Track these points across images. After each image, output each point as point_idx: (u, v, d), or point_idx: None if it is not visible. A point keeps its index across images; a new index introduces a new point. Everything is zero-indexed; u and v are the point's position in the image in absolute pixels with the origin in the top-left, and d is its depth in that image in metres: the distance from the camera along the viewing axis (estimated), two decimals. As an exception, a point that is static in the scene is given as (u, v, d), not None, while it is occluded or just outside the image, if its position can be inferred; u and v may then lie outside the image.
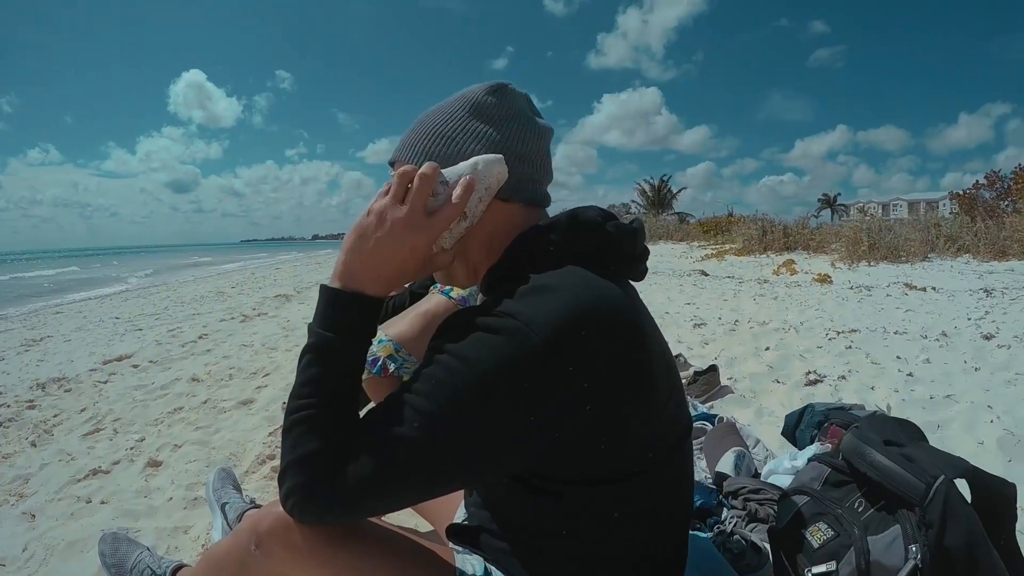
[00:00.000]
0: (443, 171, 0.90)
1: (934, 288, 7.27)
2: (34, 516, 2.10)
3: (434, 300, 2.27)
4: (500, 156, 0.91)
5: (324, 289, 0.89)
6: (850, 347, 4.24)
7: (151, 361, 4.73)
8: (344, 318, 0.87)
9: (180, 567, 1.37)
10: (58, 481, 2.39)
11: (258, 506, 1.78)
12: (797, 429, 2.23)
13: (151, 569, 1.43)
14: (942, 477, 1.05)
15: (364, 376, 2.27)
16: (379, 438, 0.80)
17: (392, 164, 1.01)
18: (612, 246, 0.95)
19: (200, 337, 5.87)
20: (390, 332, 2.19)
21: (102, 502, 2.21)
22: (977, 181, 23.97)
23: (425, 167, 0.87)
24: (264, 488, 2.29)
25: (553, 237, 0.93)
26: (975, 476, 1.10)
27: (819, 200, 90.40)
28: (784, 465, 1.97)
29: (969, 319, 5.19)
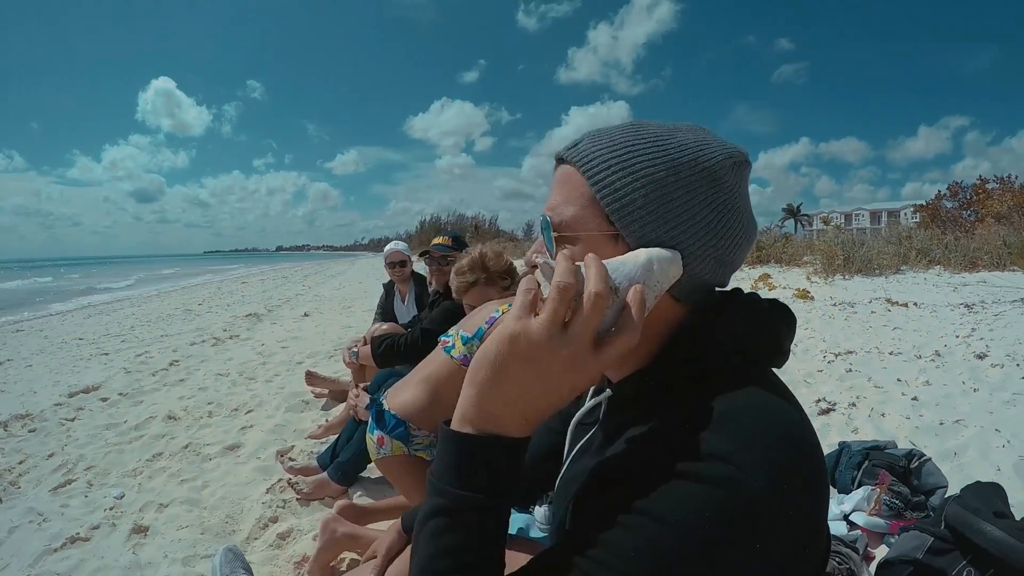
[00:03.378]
0: (607, 265, 0.65)
1: (915, 304, 7.31)
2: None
3: (437, 362, 2.12)
4: (676, 254, 0.68)
5: (452, 436, 0.65)
6: (850, 370, 4.22)
7: (121, 394, 4.47)
8: (487, 471, 0.64)
9: None
10: (32, 551, 2.15)
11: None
12: (836, 471, 2.18)
13: None
14: None
15: (373, 457, 2.12)
16: None
17: (560, 162, 0.78)
18: (782, 344, 0.78)
19: (171, 364, 5.60)
20: (393, 405, 2.02)
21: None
22: (940, 191, 24.63)
23: (598, 284, 0.60)
24: (272, 559, 2.08)
25: (739, 337, 0.76)
26: None
27: (783, 210, 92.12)
28: (834, 512, 1.89)
29: (957, 336, 5.24)
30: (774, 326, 0.76)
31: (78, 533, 2.26)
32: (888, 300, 7.71)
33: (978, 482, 1.88)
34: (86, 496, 2.64)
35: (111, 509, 2.50)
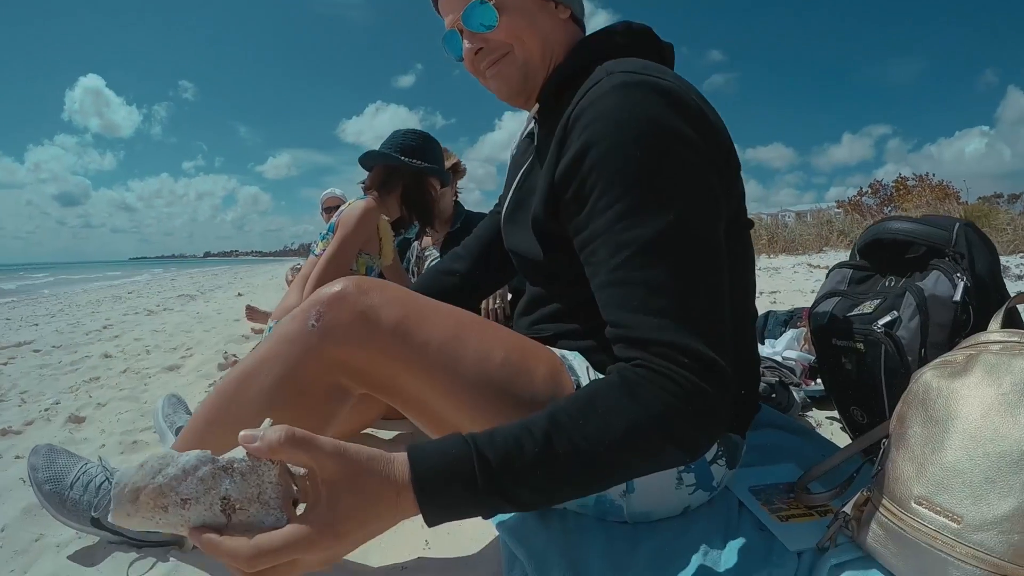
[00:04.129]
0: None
1: (835, 267, 7.72)
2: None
3: (307, 265, 2.41)
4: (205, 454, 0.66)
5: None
6: (775, 303, 4.45)
7: (54, 346, 4.34)
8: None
9: None
10: None
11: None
12: (765, 329, 2.33)
13: (105, 473, 1.15)
14: (958, 222, 1.20)
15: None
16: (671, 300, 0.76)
17: None
18: (665, 54, 1.03)
19: (104, 327, 5.45)
20: (276, 315, 2.26)
21: (16, 457, 1.92)
22: (861, 189, 25.76)
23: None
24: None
25: (619, 40, 0.94)
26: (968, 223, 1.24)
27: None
28: (765, 352, 2.02)
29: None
30: (653, 37, 1.03)
31: (10, 427, 2.20)
32: (809, 265, 8.13)
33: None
34: (20, 407, 2.58)
35: (46, 411, 2.45)
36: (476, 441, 0.69)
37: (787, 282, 6.22)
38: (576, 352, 0.99)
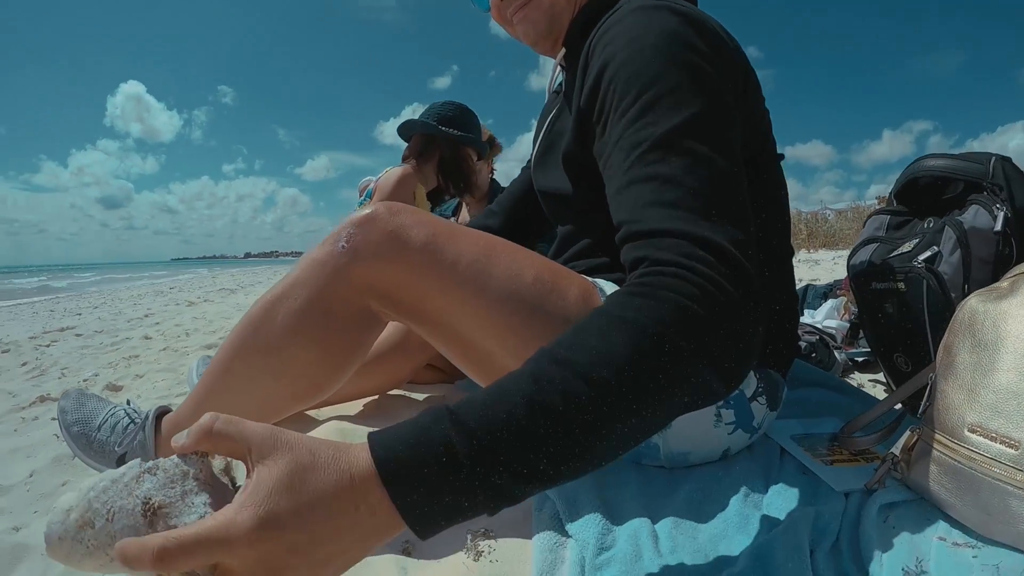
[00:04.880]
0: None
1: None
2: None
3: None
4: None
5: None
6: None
7: (96, 331, 4.46)
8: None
9: (166, 411, 1.13)
10: None
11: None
12: (805, 301, 2.29)
13: (129, 417, 1.14)
14: (994, 156, 1.15)
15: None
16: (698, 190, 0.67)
17: None
18: None
19: (145, 316, 5.58)
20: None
21: (52, 419, 1.95)
22: (902, 182, 25.27)
23: None
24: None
25: None
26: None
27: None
28: (806, 323, 1.98)
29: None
30: None
31: (48, 394, 2.25)
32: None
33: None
34: (59, 379, 2.65)
35: (84, 381, 2.51)
36: (447, 404, 0.54)
37: (827, 273, 6.06)
38: (608, 281, 0.96)
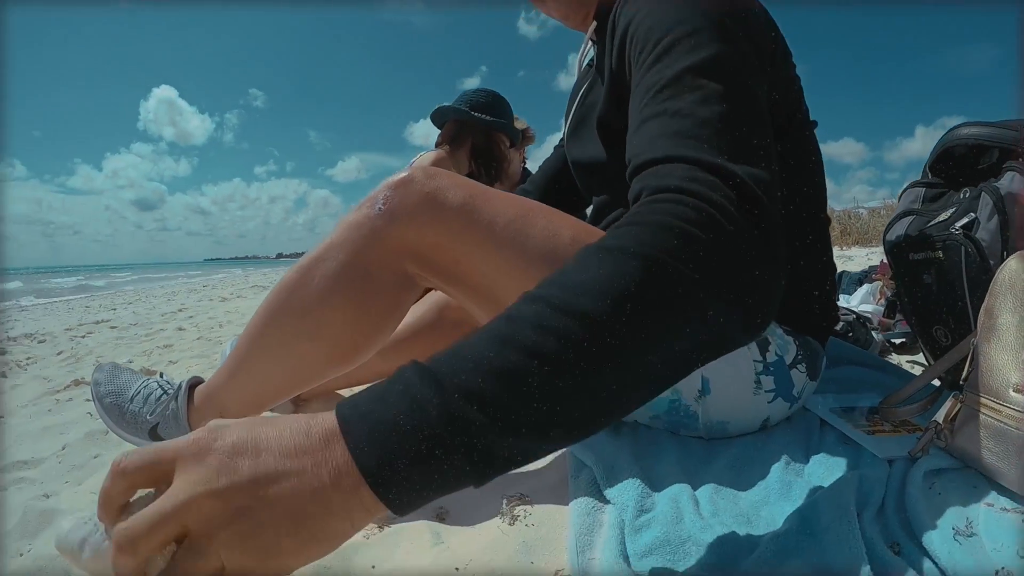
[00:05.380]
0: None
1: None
2: (1, 416, 1.81)
3: None
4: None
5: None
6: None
7: (131, 324, 4.54)
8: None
9: (198, 382, 1.14)
10: (32, 393, 2.14)
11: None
12: (840, 288, 2.26)
13: (161, 388, 1.14)
14: None
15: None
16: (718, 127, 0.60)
17: None
18: None
19: (179, 310, 5.67)
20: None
21: (86, 399, 1.98)
22: (937, 178, 24.77)
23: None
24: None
25: None
26: None
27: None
28: (842, 307, 1.96)
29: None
30: None
31: (83, 378, 2.28)
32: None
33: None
34: (94, 365, 2.68)
35: (121, 367, 2.55)
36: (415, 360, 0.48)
37: (861, 269, 5.98)
38: None
